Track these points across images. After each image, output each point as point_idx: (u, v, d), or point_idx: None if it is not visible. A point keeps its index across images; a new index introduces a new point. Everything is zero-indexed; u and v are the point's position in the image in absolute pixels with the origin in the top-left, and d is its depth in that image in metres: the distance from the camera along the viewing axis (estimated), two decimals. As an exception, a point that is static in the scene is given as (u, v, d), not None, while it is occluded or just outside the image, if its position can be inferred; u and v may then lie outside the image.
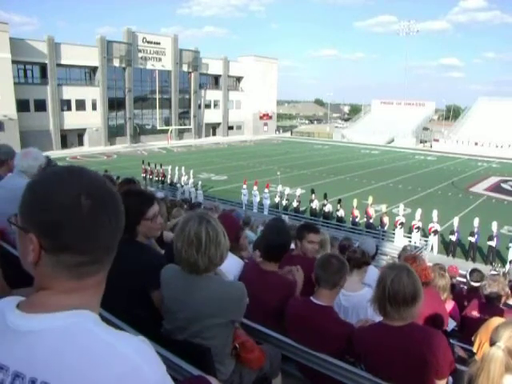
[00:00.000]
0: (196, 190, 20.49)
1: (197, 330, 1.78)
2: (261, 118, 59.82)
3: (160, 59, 46.90)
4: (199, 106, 52.53)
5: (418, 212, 14.82)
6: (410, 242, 13.99)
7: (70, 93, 39.86)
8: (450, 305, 3.80)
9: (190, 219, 1.79)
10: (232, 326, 1.84)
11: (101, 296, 0.79)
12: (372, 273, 3.42)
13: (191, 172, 22.64)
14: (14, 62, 34.54)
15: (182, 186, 21.90)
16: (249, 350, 1.88)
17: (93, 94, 41.53)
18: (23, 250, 0.72)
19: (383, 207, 17.25)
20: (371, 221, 15.62)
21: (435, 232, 14.30)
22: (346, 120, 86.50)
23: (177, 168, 23.17)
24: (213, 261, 1.75)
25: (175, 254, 1.80)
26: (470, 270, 4.86)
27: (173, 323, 1.84)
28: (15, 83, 34.84)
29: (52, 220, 0.68)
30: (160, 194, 11.64)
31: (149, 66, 45.85)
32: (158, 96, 45.75)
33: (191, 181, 21.83)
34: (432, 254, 13.56)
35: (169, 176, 23.70)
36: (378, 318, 2.14)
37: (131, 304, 1.95)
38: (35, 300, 0.73)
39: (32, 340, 0.67)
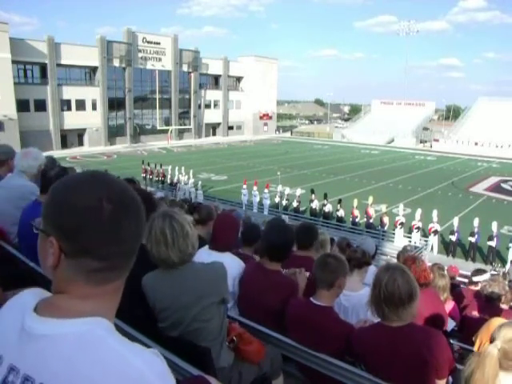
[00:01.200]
0: (196, 190, 20.50)
1: (192, 317, 1.81)
2: (261, 117, 59.82)
3: (160, 59, 46.90)
4: (199, 106, 52.54)
5: (418, 212, 14.82)
6: (410, 241, 13.98)
7: (70, 93, 39.85)
8: (449, 305, 3.80)
9: (154, 219, 1.83)
10: (223, 306, 1.90)
11: (117, 303, 0.78)
12: (373, 273, 3.42)
13: (191, 172, 22.66)
14: (14, 62, 34.53)
15: (182, 185, 21.92)
16: (247, 341, 1.91)
17: (93, 93, 41.53)
18: (43, 254, 0.72)
19: (383, 207, 17.26)
20: (371, 221, 15.61)
21: (435, 232, 14.31)
22: (346, 120, 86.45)
23: (177, 168, 23.18)
24: (185, 252, 1.80)
25: (150, 255, 1.84)
26: (474, 270, 4.86)
27: (167, 320, 1.87)
28: (15, 83, 34.83)
29: (72, 223, 0.68)
30: (160, 194, 11.65)
31: (149, 65, 45.85)
32: (158, 96, 45.75)
33: (191, 181, 21.84)
34: (432, 254, 13.56)
35: (169, 176, 23.68)
36: (378, 319, 2.14)
37: (132, 305, 1.95)
38: (51, 303, 0.73)
39: (44, 345, 0.67)
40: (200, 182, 21.18)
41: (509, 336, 1.45)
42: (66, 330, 0.67)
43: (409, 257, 3.43)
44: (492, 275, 4.58)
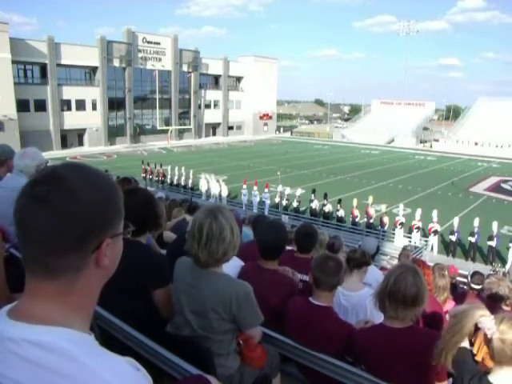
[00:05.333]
0: (220, 185, 20.65)
1: (203, 324, 1.80)
2: (261, 118, 59.81)
3: (160, 59, 46.90)
4: (199, 106, 52.54)
5: (418, 212, 14.82)
6: (410, 241, 14.00)
7: (70, 93, 39.86)
8: (450, 305, 3.79)
9: (200, 211, 1.82)
10: (236, 326, 1.83)
11: (85, 309, 0.74)
12: (373, 273, 3.41)
13: (191, 172, 22.67)
14: (14, 62, 34.54)
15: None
16: (251, 348, 1.88)
17: (93, 94, 41.54)
18: None
19: (383, 207, 17.24)
20: (371, 221, 15.61)
21: (435, 232, 14.31)
22: (346, 120, 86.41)
23: (176, 168, 23.19)
24: (213, 256, 1.75)
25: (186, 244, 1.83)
26: (471, 272, 4.84)
27: (182, 316, 1.86)
28: (15, 83, 34.83)
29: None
30: (160, 194, 11.63)
31: (149, 66, 45.85)
32: (157, 96, 45.76)
33: (190, 181, 21.84)
34: (432, 254, 13.57)
35: (169, 176, 23.71)
36: (378, 319, 2.14)
37: (132, 304, 1.95)
38: (16, 304, 0.71)
39: (10, 348, 0.64)
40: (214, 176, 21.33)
41: (503, 328, 1.47)
42: (31, 337, 0.64)
43: (417, 261, 3.43)
44: (492, 275, 4.55)
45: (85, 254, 0.69)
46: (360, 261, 2.97)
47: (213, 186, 20.96)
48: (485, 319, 1.56)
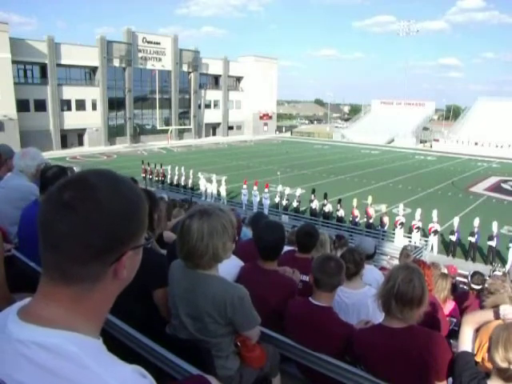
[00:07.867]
0: (218, 185, 20.73)
1: (199, 328, 1.79)
2: (261, 118, 59.81)
3: (160, 59, 46.91)
4: (199, 106, 52.54)
5: (418, 212, 14.83)
6: (410, 241, 13.99)
7: (70, 93, 39.87)
8: (450, 305, 3.79)
9: (188, 213, 1.80)
10: (233, 328, 1.82)
11: (97, 316, 0.73)
12: (373, 273, 3.41)
13: (191, 172, 22.67)
14: (14, 62, 34.56)
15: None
16: (250, 348, 1.87)
17: (93, 94, 41.55)
18: None
19: (383, 207, 17.25)
20: (371, 221, 15.62)
21: (435, 232, 14.31)
22: (346, 120, 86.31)
23: (176, 168, 23.19)
24: (201, 258, 1.70)
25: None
26: (471, 272, 4.84)
27: (178, 319, 1.86)
28: (15, 83, 34.85)
29: None
30: (162, 195, 11.62)
31: (149, 66, 45.85)
32: (157, 96, 45.76)
33: (190, 181, 21.83)
34: (432, 254, 13.58)
35: (169, 176, 23.72)
36: (379, 318, 2.14)
37: (132, 304, 1.94)
38: (26, 306, 0.71)
39: (18, 350, 0.64)
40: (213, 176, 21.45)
41: None
42: (39, 340, 0.64)
43: (418, 261, 3.42)
44: (495, 275, 4.55)
45: (104, 265, 0.69)
46: (356, 270, 2.91)
47: (212, 186, 20.97)
48: (507, 306, 1.57)
